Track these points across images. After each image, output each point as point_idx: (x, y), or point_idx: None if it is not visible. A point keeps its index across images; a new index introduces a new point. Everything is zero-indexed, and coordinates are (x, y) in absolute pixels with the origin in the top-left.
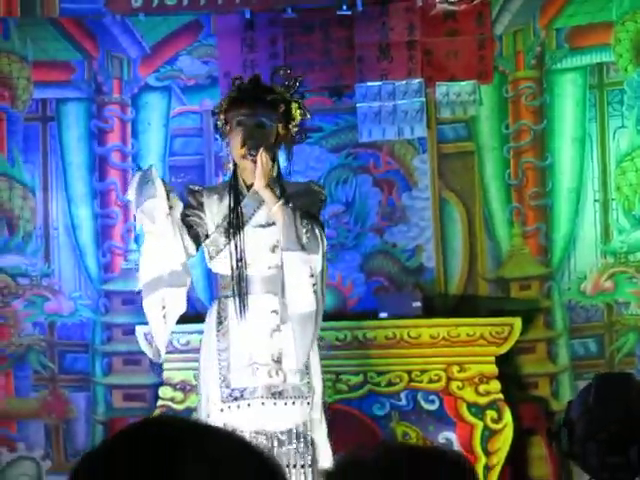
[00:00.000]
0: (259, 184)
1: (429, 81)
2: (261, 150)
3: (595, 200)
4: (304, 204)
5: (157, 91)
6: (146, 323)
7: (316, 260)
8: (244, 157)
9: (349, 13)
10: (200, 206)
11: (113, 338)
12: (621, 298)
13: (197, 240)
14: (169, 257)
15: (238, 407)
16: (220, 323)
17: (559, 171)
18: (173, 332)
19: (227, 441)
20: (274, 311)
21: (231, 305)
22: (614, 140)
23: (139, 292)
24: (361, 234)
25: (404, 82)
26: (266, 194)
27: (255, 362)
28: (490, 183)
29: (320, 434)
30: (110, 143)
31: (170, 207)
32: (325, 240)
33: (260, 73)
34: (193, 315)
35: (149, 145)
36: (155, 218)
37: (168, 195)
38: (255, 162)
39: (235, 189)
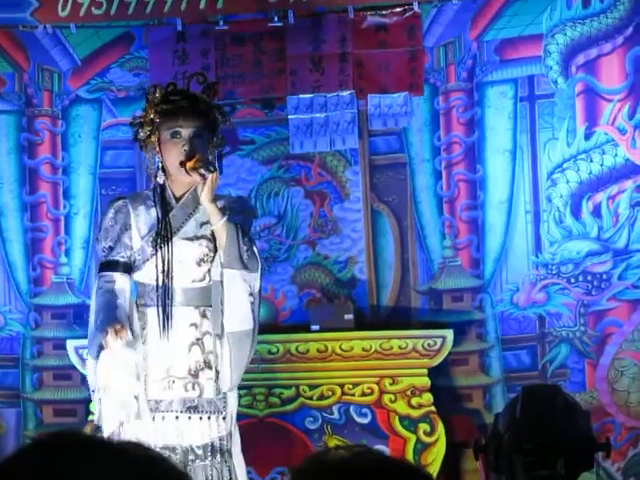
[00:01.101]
0: (207, 197)
1: (361, 93)
2: (214, 165)
3: (526, 212)
4: (239, 220)
5: (88, 103)
6: (76, 337)
7: (255, 279)
8: (193, 170)
9: (281, 25)
10: (125, 226)
11: (43, 352)
12: (553, 309)
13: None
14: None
15: (153, 419)
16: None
17: (490, 183)
18: None
19: (132, 459)
20: (193, 324)
21: (150, 315)
22: (545, 152)
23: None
24: (293, 246)
25: (336, 94)
26: (212, 208)
27: (172, 375)
28: (422, 195)
29: (235, 448)
30: (40, 156)
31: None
32: (262, 259)
33: (175, 82)
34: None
35: (80, 158)
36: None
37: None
38: (202, 176)
39: (163, 200)
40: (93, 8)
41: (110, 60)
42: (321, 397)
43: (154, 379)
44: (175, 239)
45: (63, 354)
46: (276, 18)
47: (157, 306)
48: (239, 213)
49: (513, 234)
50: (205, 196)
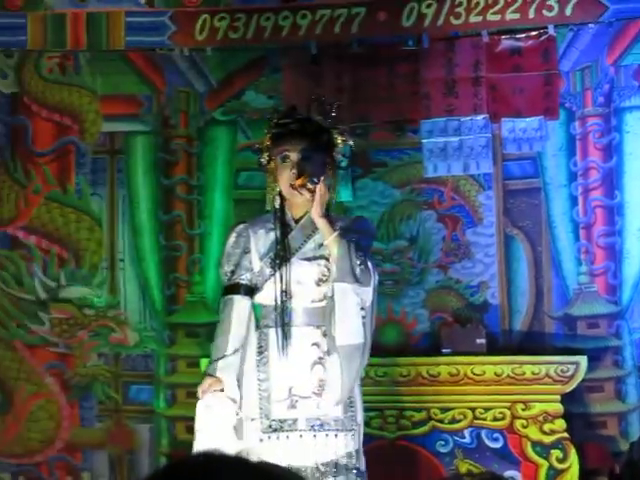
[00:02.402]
0: (316, 212)
1: (495, 117)
2: (321, 180)
3: None
4: (355, 239)
5: (223, 125)
6: (209, 355)
7: (367, 293)
8: (301, 187)
9: (415, 48)
10: (246, 249)
11: (177, 370)
12: None
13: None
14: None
15: (277, 438)
16: (260, 353)
17: (628, 209)
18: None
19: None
20: (315, 344)
21: (272, 336)
22: None
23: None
24: (425, 270)
25: (470, 118)
26: (322, 224)
27: (295, 394)
28: (558, 220)
29: (362, 466)
30: (176, 175)
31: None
32: (376, 274)
33: (296, 105)
34: None
35: (214, 178)
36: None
37: None
38: (311, 191)
39: (282, 222)
40: (230, 32)
41: (245, 82)
42: (452, 421)
43: (277, 399)
44: (294, 260)
45: (196, 372)
46: (410, 42)
47: (276, 326)
48: (356, 232)
49: None
50: (315, 211)
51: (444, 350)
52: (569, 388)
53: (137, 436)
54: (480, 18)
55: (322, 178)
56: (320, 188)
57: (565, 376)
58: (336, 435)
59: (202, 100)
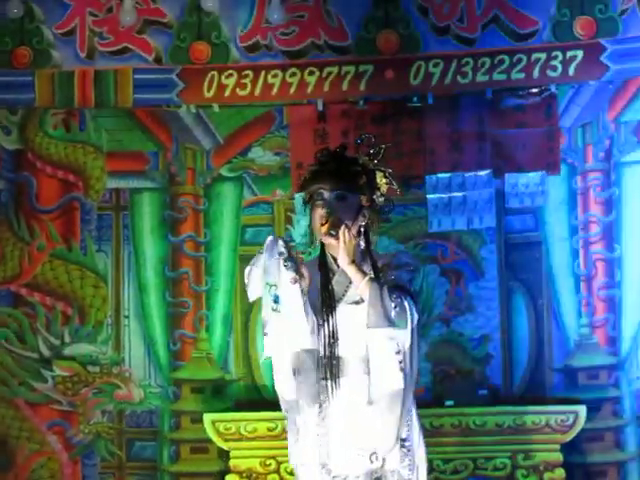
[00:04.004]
0: (343, 262)
1: (498, 172)
2: (342, 227)
3: None
4: (394, 276)
5: (230, 181)
6: (214, 411)
7: (404, 335)
8: (326, 234)
9: (420, 105)
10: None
11: (181, 426)
12: None
13: None
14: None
15: None
16: (319, 406)
17: (628, 262)
18: (239, 420)
19: None
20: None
21: (329, 387)
22: None
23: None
24: (428, 323)
25: (474, 173)
26: (351, 271)
27: (356, 448)
28: (558, 273)
29: None
30: (183, 233)
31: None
32: (416, 313)
33: (346, 143)
34: (259, 402)
35: (221, 234)
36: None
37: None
38: (335, 238)
39: (325, 266)
40: (238, 89)
41: (251, 139)
42: (454, 471)
43: (338, 453)
44: (341, 305)
45: (200, 427)
46: (415, 99)
47: (326, 378)
48: (395, 268)
49: None
50: (341, 260)
51: (447, 402)
52: (569, 437)
53: None
54: (486, 77)
55: (348, 225)
56: (344, 236)
57: (565, 426)
58: None
59: (209, 157)
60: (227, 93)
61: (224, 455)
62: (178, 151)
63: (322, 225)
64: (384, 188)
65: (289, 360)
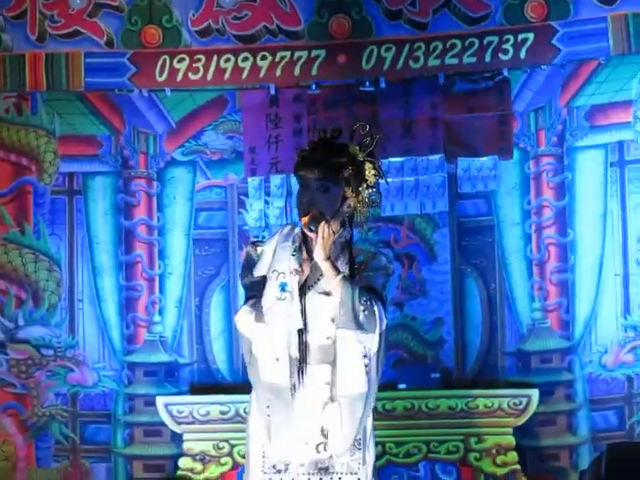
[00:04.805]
0: (319, 257)
1: (451, 156)
2: (322, 223)
3: (616, 275)
4: (369, 277)
5: (182, 165)
6: (167, 394)
7: (371, 339)
8: (306, 227)
9: (372, 90)
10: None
11: (135, 409)
12: None
13: None
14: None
15: None
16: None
17: (581, 247)
18: (192, 403)
19: None
20: (327, 383)
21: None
22: (634, 216)
23: None
24: None
25: (426, 158)
26: (326, 267)
27: (304, 435)
28: (511, 258)
29: None
30: (136, 217)
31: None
32: (385, 318)
33: (341, 128)
34: (213, 386)
35: (174, 219)
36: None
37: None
38: (313, 232)
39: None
40: (190, 73)
41: (204, 123)
42: (407, 455)
43: (285, 439)
44: (311, 293)
45: (154, 411)
46: (368, 83)
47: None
48: (372, 270)
49: (602, 297)
50: (317, 254)
51: (400, 386)
52: (521, 421)
53: (94, 475)
54: (438, 61)
55: (329, 220)
56: (323, 231)
57: (517, 409)
58: (340, 479)
59: (161, 141)
60: (179, 77)
61: (177, 438)
62: (131, 135)
63: (303, 217)
64: (372, 179)
65: (285, 345)
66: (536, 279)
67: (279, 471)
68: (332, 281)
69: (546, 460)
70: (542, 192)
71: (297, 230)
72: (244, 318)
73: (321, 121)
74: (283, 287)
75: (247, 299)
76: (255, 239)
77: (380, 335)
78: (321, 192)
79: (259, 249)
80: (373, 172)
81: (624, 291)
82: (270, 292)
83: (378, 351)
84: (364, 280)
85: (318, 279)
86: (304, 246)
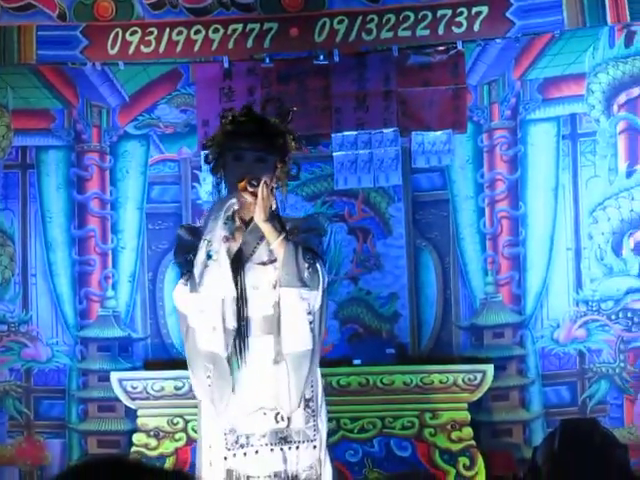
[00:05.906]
0: (259, 218)
1: (404, 130)
2: (262, 183)
3: (568, 249)
4: (304, 238)
5: (136, 139)
6: (121, 370)
7: (315, 296)
8: (243, 190)
9: (326, 63)
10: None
11: (89, 384)
12: (593, 346)
13: None
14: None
15: (244, 454)
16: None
17: (532, 220)
18: (146, 379)
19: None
20: (272, 354)
21: (231, 348)
22: (586, 189)
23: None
24: (336, 281)
25: (380, 131)
26: (266, 228)
27: (262, 407)
28: (465, 232)
29: (325, 476)
30: (89, 190)
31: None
32: (326, 276)
33: (251, 103)
34: (167, 361)
35: (127, 193)
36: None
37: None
38: (255, 195)
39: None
40: (142, 46)
41: (157, 97)
42: (362, 430)
43: (243, 413)
44: (248, 265)
45: (108, 386)
46: (321, 56)
47: (235, 336)
48: (305, 231)
49: (554, 271)
50: (257, 215)
51: (355, 361)
52: (476, 396)
53: (48, 451)
54: (391, 34)
55: (264, 181)
56: (262, 191)
57: (472, 385)
58: (297, 447)
59: (115, 114)
60: (131, 50)
61: (132, 414)
62: (84, 109)
63: (239, 182)
64: (293, 150)
65: (220, 313)
66: (489, 253)
67: (242, 445)
68: (274, 242)
69: (500, 435)
70: (495, 165)
71: (232, 200)
72: (179, 291)
73: (274, 94)
74: (209, 254)
75: (181, 275)
76: (187, 224)
77: (323, 292)
78: (258, 163)
79: (190, 231)
80: (294, 143)
81: (576, 265)
82: (199, 260)
83: (321, 308)
84: (300, 242)
85: (253, 251)
86: (238, 215)
